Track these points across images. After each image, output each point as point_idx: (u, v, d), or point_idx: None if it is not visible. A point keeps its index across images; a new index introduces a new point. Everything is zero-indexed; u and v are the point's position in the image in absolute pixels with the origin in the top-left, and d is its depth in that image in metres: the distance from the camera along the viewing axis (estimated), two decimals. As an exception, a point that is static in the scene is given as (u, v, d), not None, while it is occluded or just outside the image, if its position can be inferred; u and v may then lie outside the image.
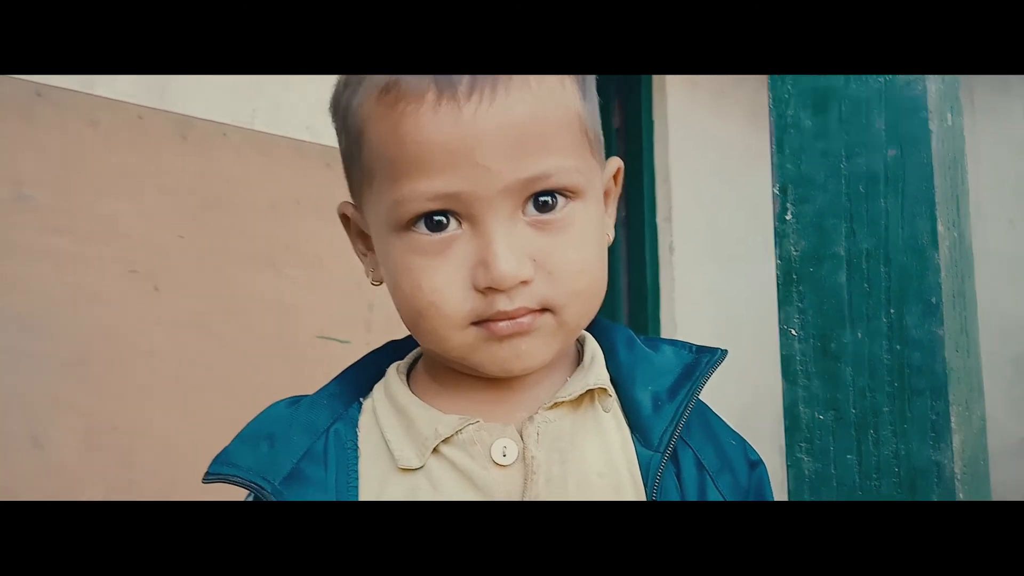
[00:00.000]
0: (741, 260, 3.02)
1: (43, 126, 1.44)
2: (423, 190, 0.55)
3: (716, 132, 3.15)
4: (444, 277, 0.56)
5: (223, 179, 1.63)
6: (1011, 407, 3.25)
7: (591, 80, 0.62)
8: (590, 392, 0.61)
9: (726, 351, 0.63)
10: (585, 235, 0.59)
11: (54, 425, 1.42)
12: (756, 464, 0.64)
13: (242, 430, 0.64)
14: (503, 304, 0.56)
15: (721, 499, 0.60)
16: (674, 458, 0.60)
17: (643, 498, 0.58)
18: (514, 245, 0.55)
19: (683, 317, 2.90)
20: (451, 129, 0.54)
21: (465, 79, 0.54)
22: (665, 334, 2.87)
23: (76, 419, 1.43)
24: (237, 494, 0.64)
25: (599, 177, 0.62)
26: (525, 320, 0.57)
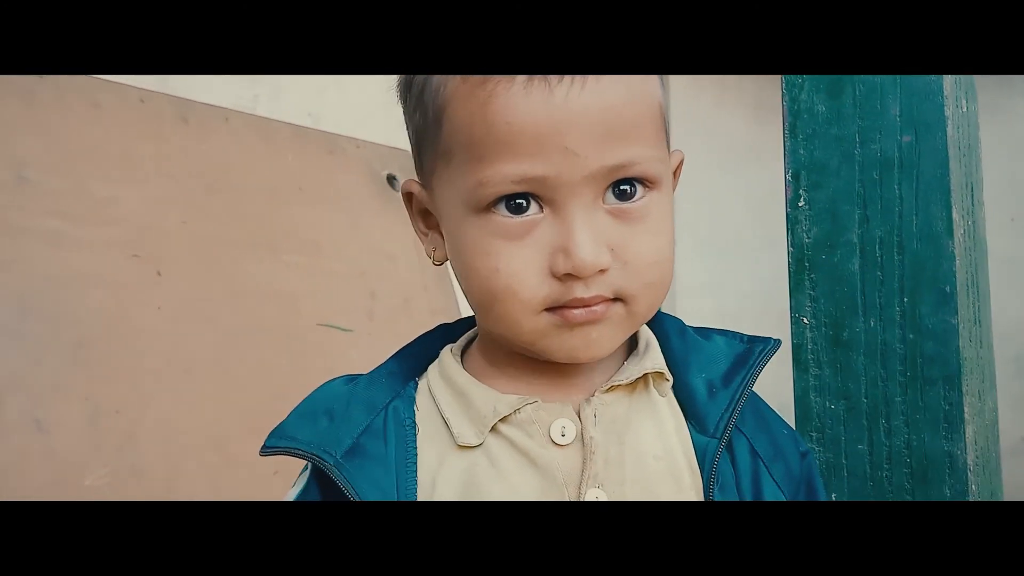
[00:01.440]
0: (742, 254, 3.02)
1: (44, 108, 1.43)
2: (509, 172, 0.54)
3: (718, 125, 3.15)
4: (522, 261, 0.56)
5: (225, 164, 1.62)
6: (1009, 407, 3.25)
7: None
8: (644, 377, 0.61)
9: (780, 341, 0.63)
10: (660, 226, 0.58)
11: (56, 409, 1.41)
12: (806, 455, 0.64)
13: (298, 406, 0.63)
14: (580, 291, 0.55)
15: (775, 486, 0.60)
16: (728, 445, 0.61)
17: (699, 482, 0.59)
18: (594, 233, 0.55)
19: (684, 312, 2.90)
20: (541, 112, 0.53)
21: None
22: (666, 327, 2.86)
23: (79, 403, 1.43)
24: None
25: (670, 169, 0.62)
26: (598, 309, 0.56)
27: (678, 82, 3.00)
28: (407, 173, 1.87)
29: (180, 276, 1.51)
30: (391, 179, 1.85)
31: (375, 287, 1.77)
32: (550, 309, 0.56)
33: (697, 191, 3.03)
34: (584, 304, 0.56)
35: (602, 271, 0.55)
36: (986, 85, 3.18)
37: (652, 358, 0.62)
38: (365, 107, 1.88)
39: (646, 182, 0.57)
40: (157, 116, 1.52)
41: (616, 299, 0.57)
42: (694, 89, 3.06)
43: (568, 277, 0.55)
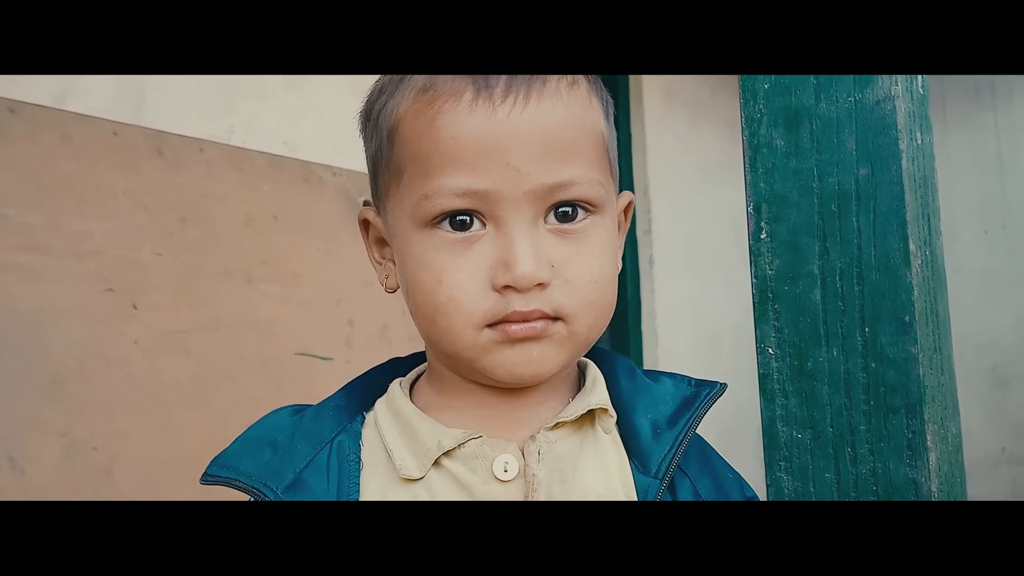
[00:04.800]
0: (721, 272, 3.04)
1: (16, 143, 1.43)
2: (453, 185, 0.56)
3: (693, 145, 3.17)
4: (465, 275, 0.57)
5: (200, 195, 1.61)
6: (988, 418, 3.29)
7: (611, 106, 0.64)
8: (591, 415, 0.62)
9: (726, 385, 0.64)
10: (601, 248, 0.60)
11: (32, 445, 1.40)
12: (751, 499, 0.64)
13: (242, 433, 0.64)
14: (519, 304, 0.57)
15: None
16: (671, 487, 0.61)
17: None
18: (535, 248, 0.57)
19: (664, 329, 2.91)
20: (485, 127, 0.56)
21: (502, 81, 0.56)
22: (646, 347, 2.88)
23: (54, 439, 1.41)
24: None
25: (615, 199, 0.64)
26: (538, 325, 0.58)
27: (651, 102, 3.03)
28: (383, 200, 1.87)
29: (156, 308, 1.51)
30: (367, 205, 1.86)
31: (353, 314, 1.76)
32: (491, 326, 0.57)
33: (674, 211, 3.05)
34: (523, 318, 0.57)
35: (541, 286, 0.57)
36: (956, 101, 3.24)
37: (598, 394, 0.63)
38: (340, 134, 1.89)
39: (587, 205, 0.59)
40: (131, 148, 1.52)
41: (556, 318, 0.58)
42: (667, 108, 3.09)
43: (508, 290, 0.57)
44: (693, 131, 3.17)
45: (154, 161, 1.57)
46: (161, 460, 1.49)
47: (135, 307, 1.50)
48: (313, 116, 1.91)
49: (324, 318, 1.75)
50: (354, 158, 2.17)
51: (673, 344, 2.90)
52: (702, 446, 0.65)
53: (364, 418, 0.65)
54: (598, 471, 0.60)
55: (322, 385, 1.79)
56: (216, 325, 1.59)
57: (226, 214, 1.64)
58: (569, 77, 0.59)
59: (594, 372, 0.65)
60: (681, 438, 0.61)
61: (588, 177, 0.59)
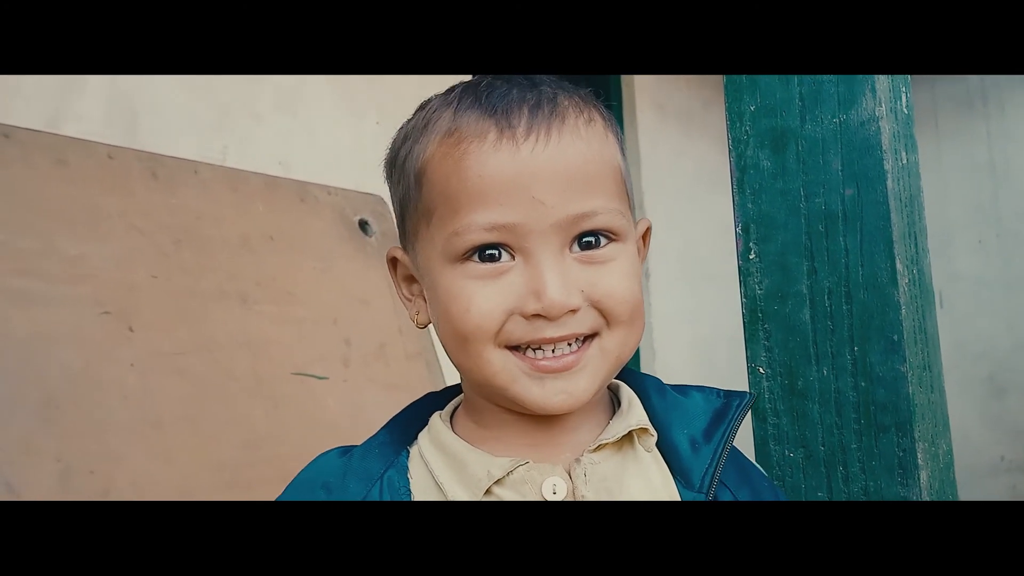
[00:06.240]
0: (716, 283, 3.04)
1: (10, 167, 1.43)
2: (482, 221, 0.58)
3: (686, 156, 3.19)
4: (493, 302, 0.59)
5: (195, 216, 1.62)
6: (985, 426, 3.29)
7: (622, 141, 0.66)
8: (630, 435, 0.63)
9: (755, 394, 0.65)
10: (627, 271, 0.62)
11: (27, 470, 1.39)
12: None
13: (293, 480, 0.66)
14: (551, 331, 0.59)
15: None
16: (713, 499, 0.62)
17: None
18: (563, 276, 0.59)
19: (661, 342, 2.91)
20: (509, 165, 0.58)
21: (523, 120, 0.59)
22: (644, 359, 2.88)
23: (50, 463, 1.41)
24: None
25: (635, 229, 0.65)
26: (569, 359, 0.59)
27: (644, 115, 3.04)
28: (379, 218, 1.87)
29: (151, 330, 1.50)
30: (363, 224, 1.86)
31: (349, 333, 1.76)
32: (517, 349, 0.58)
33: (668, 223, 3.06)
34: (555, 342, 0.59)
35: (572, 312, 0.58)
36: (948, 112, 3.25)
37: (636, 415, 0.64)
38: (335, 153, 1.89)
39: (610, 234, 0.61)
40: (125, 171, 1.52)
41: (591, 335, 0.59)
42: (660, 121, 3.10)
43: (537, 319, 0.58)
44: (686, 143, 3.19)
45: (148, 183, 1.57)
46: (158, 482, 1.49)
47: (130, 329, 1.50)
48: (307, 136, 1.92)
49: (320, 337, 1.74)
50: (348, 177, 2.17)
51: (670, 357, 2.91)
52: (736, 456, 0.67)
53: (409, 452, 0.66)
54: (644, 488, 0.62)
55: (319, 405, 1.79)
56: (212, 346, 1.59)
57: (221, 235, 1.64)
58: (585, 114, 0.61)
59: (628, 393, 0.67)
60: (720, 451, 0.62)
61: (610, 207, 0.61)
